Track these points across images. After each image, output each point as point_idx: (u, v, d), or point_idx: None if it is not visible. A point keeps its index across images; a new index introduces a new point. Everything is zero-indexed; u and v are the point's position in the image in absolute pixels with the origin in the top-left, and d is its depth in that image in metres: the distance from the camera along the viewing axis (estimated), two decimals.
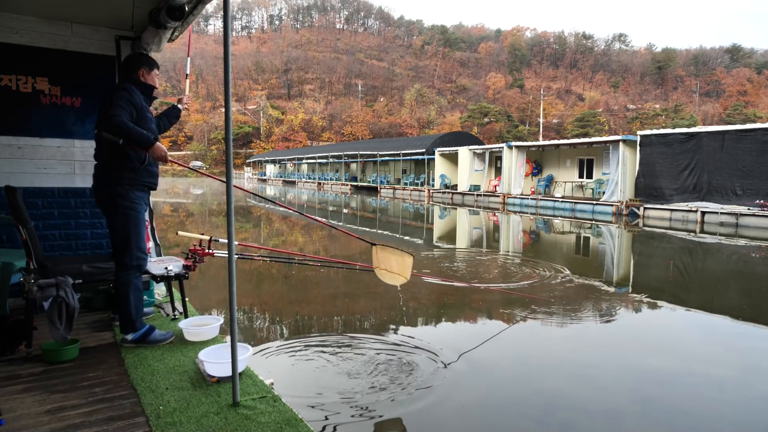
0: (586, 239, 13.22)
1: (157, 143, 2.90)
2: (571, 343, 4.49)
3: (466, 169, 28.33)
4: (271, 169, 64.20)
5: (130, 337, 2.94)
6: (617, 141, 20.18)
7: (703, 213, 16.26)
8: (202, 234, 3.95)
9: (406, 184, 35.76)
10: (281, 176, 57.48)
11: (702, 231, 14.37)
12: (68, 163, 3.95)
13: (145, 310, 3.59)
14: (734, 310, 5.74)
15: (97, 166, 3.00)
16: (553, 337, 4.65)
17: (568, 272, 7.53)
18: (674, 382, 3.68)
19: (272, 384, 2.68)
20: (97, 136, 2.98)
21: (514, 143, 25.60)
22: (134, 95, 2.94)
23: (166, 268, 3.33)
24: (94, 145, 3.95)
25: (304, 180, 50.55)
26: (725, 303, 6.23)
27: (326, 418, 2.93)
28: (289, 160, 58.46)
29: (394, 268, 3.67)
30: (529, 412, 3.18)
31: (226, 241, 2.34)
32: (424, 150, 34.13)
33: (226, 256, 2.50)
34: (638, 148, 19.41)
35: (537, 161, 27.21)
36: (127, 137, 2.79)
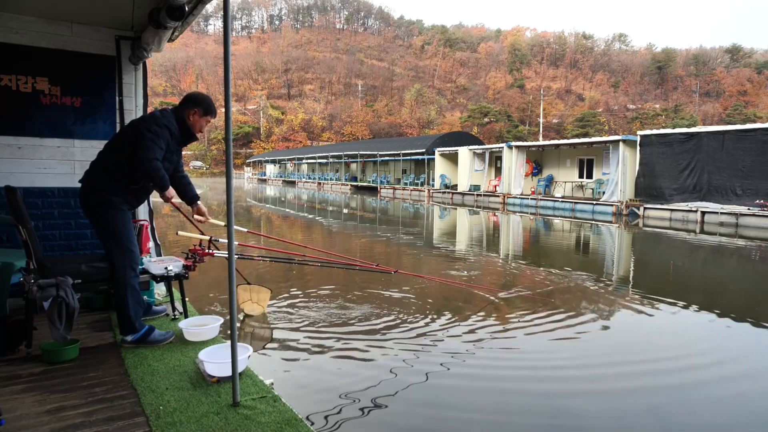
0: (590, 239, 13.22)
1: (170, 188, 3.00)
2: (574, 343, 4.49)
3: (466, 169, 28.33)
4: (271, 169, 64.20)
5: (129, 338, 2.94)
6: (617, 141, 20.18)
7: (703, 213, 16.26)
8: (203, 234, 3.95)
9: (406, 184, 35.76)
10: (281, 176, 57.48)
11: (702, 231, 14.37)
12: (68, 163, 3.96)
13: (156, 308, 3.59)
14: (749, 313, 5.74)
15: (90, 172, 2.96)
16: (556, 338, 4.65)
17: (567, 274, 7.53)
18: (682, 384, 3.66)
19: (272, 384, 2.68)
20: (110, 151, 2.96)
21: (514, 143, 25.60)
22: (172, 135, 2.95)
23: (166, 268, 3.33)
24: (94, 145, 3.97)
25: (304, 180, 50.55)
26: (731, 304, 6.22)
27: (327, 418, 2.93)
28: (289, 160, 58.45)
29: (254, 298, 4.68)
30: (533, 413, 3.17)
31: (226, 240, 2.34)
32: (424, 150, 34.14)
33: (226, 256, 2.50)
34: (638, 148, 19.42)
35: (537, 161, 27.21)
36: (152, 179, 2.86)
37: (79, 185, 3.92)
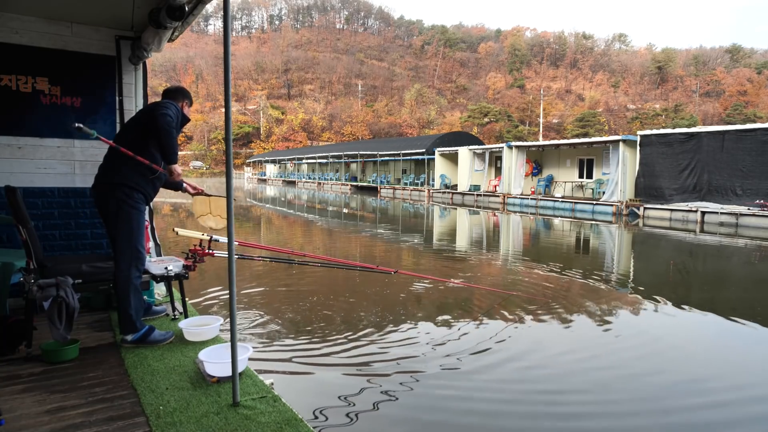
0: (590, 240, 13.21)
1: (177, 165, 3.00)
2: (577, 347, 4.49)
3: (466, 169, 28.33)
4: (271, 169, 64.19)
5: (129, 337, 2.94)
6: (617, 141, 20.18)
7: (703, 213, 16.26)
8: (203, 234, 3.94)
9: (406, 184, 35.76)
10: (281, 176, 57.48)
11: (702, 231, 14.37)
12: (68, 163, 3.95)
13: (156, 308, 3.60)
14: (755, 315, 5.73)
15: (106, 168, 2.98)
16: (557, 341, 4.65)
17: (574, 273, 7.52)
18: (694, 390, 3.65)
19: (272, 384, 2.68)
20: (126, 144, 2.99)
21: (514, 143, 25.60)
22: (177, 112, 3.05)
23: (166, 268, 3.33)
24: (93, 145, 3.97)
25: (304, 180, 50.54)
26: (743, 308, 6.22)
27: (327, 418, 2.93)
28: (289, 160, 58.44)
29: (215, 212, 3.86)
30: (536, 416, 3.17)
31: (226, 240, 2.34)
32: (424, 150, 34.14)
33: (226, 256, 2.50)
34: (638, 148, 19.42)
35: (537, 161, 27.21)
36: (166, 139, 2.82)
37: (78, 186, 3.97)
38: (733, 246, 11.49)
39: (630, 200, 19.19)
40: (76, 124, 2.74)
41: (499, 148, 26.78)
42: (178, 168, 3.00)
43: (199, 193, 3.58)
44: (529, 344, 4.34)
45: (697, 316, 5.55)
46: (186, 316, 3.44)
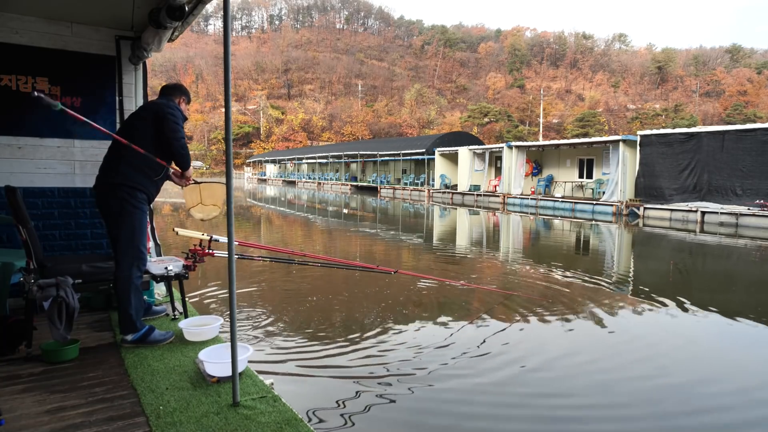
0: (590, 240, 13.22)
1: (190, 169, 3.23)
2: (578, 349, 4.48)
3: (466, 169, 28.33)
4: (271, 169, 64.18)
5: (129, 337, 2.94)
6: (617, 141, 20.18)
7: (703, 213, 16.26)
8: (203, 234, 3.94)
9: (406, 184, 35.76)
10: (281, 176, 57.48)
11: (702, 231, 14.37)
12: (68, 163, 3.95)
13: (156, 308, 3.60)
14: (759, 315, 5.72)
15: (109, 169, 2.96)
16: (559, 344, 4.64)
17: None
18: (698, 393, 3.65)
19: (272, 384, 2.68)
20: (126, 132, 3.00)
21: (514, 143, 25.60)
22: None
23: (166, 268, 3.33)
24: (94, 145, 3.98)
25: (304, 180, 50.55)
26: (743, 306, 6.21)
27: (327, 418, 2.93)
28: (289, 160, 58.44)
29: (207, 200, 3.69)
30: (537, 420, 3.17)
31: (226, 240, 2.34)
32: (424, 150, 34.14)
33: (226, 256, 2.50)
34: (638, 148, 19.42)
35: (537, 161, 27.20)
36: (180, 155, 3.02)
37: (78, 186, 3.96)
38: (733, 246, 11.49)
39: (630, 200, 19.19)
40: (36, 93, 2.57)
41: (499, 148, 26.78)
42: (190, 171, 3.21)
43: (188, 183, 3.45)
44: (531, 346, 4.34)
45: (699, 316, 5.54)
46: (186, 316, 3.44)
